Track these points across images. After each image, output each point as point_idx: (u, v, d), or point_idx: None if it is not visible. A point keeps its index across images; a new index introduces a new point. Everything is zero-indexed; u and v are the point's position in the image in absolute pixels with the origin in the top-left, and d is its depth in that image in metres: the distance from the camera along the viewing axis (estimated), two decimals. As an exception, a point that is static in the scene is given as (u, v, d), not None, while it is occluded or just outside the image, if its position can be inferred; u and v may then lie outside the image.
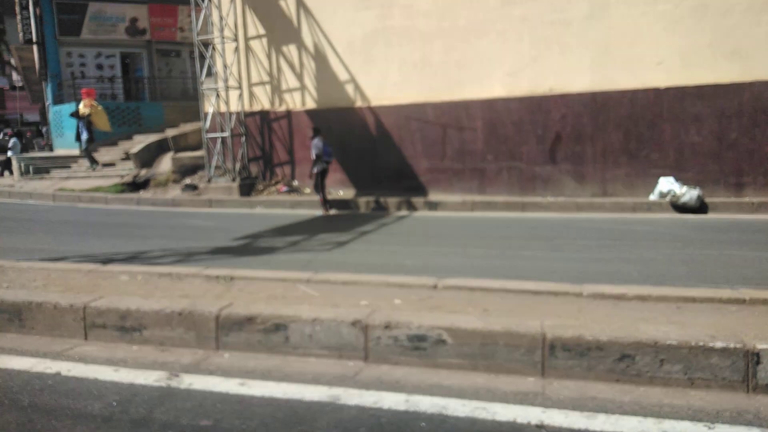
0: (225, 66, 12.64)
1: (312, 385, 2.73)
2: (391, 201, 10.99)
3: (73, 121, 15.43)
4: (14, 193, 14.01)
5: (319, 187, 10.51)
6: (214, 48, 13.00)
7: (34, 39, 17.49)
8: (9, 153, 17.63)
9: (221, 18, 12.43)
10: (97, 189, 13.46)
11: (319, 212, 10.58)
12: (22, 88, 48.76)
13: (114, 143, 16.53)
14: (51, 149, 21.29)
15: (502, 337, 2.78)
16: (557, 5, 10.68)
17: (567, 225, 8.27)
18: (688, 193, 9.20)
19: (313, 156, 10.46)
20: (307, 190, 12.76)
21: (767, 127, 9.50)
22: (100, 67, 17.90)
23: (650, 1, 10.12)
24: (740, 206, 9.23)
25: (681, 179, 9.81)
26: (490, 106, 11.30)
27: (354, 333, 2.99)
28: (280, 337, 3.11)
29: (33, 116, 51.89)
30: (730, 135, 9.87)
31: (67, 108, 16.48)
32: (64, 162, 15.50)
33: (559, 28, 10.70)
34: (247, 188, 12.69)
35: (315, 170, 10.47)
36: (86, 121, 14.84)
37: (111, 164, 15.25)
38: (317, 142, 10.47)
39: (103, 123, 15.42)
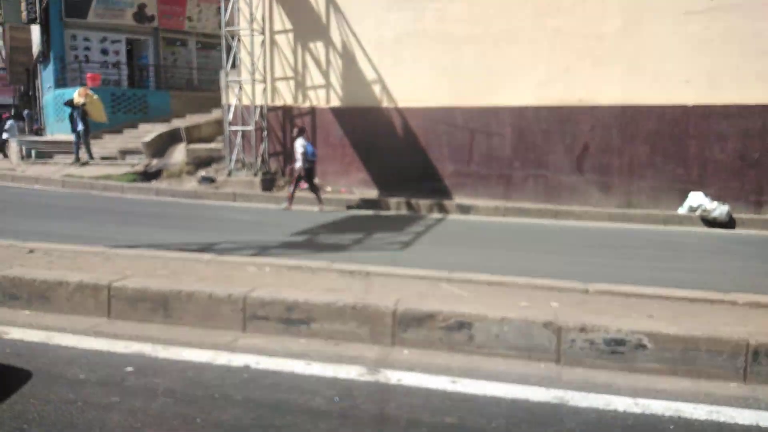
0: (252, 59, 12.42)
1: (522, 386, 2.71)
2: (423, 203, 11.01)
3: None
4: (18, 178, 13.44)
5: (297, 183, 10.55)
6: (239, 40, 12.77)
7: (39, 19, 16.83)
8: (5, 135, 16.89)
9: (251, 10, 12.21)
10: (107, 177, 13.02)
11: (360, 211, 10.55)
12: (2, 70, 46.86)
13: (119, 131, 16.04)
14: (39, 134, 20.55)
15: (705, 343, 2.83)
16: (590, 19, 10.89)
17: (616, 235, 8.45)
18: (718, 209, 9.50)
19: (298, 155, 10.47)
20: (329, 188, 12.65)
21: (790, 148, 9.91)
22: (105, 52, 17.33)
23: (681, 21, 10.41)
24: (764, 223, 9.59)
25: (706, 195, 10.14)
26: (520, 113, 11.44)
27: (546, 335, 2.98)
28: (464, 336, 3.07)
29: (4, 99, 49.90)
30: (753, 154, 10.25)
31: (71, 92, 15.90)
32: (69, 147, 14.92)
33: (591, 41, 10.90)
34: (268, 183, 12.49)
35: (297, 167, 10.46)
36: (80, 111, 14.07)
37: (129, 153, 14.65)
38: (302, 142, 10.51)
39: (97, 113, 14.69)
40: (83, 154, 14.30)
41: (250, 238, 6.80)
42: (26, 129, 24.16)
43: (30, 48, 24.92)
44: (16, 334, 3.23)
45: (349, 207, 11.15)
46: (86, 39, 17.01)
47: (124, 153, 14.79)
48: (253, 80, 12.44)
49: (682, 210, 10.07)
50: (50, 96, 16.76)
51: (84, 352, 3.01)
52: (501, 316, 3.05)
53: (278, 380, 2.71)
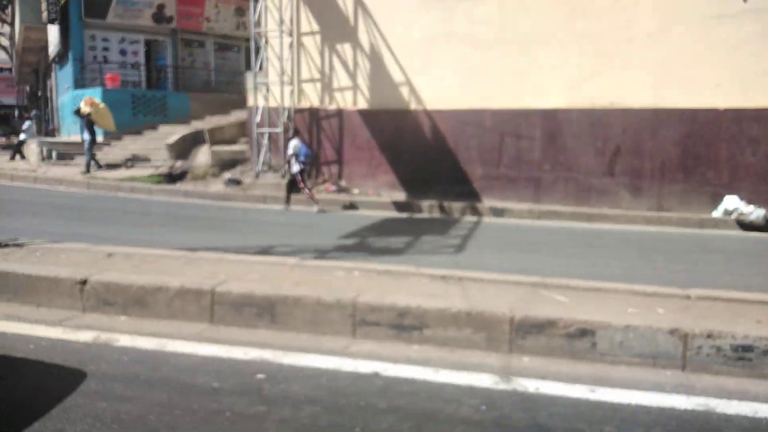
0: (281, 61, 12.39)
1: (660, 393, 2.68)
2: (455, 206, 10.98)
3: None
4: (40, 179, 13.37)
5: (293, 185, 10.61)
6: (266, 42, 12.74)
7: (55, 19, 16.76)
8: (23, 136, 16.81)
9: (279, 13, 12.18)
10: (132, 178, 12.99)
11: (393, 214, 10.56)
12: (6, 70, 46.83)
13: (139, 132, 15.99)
14: (52, 135, 20.47)
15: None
16: (620, 23, 10.87)
17: (658, 238, 8.45)
18: (755, 212, 9.50)
19: (289, 155, 10.63)
20: (356, 191, 12.63)
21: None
22: (123, 52, 17.28)
23: (712, 25, 10.39)
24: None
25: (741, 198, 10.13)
26: (550, 115, 11.42)
27: (672, 341, 2.96)
28: (586, 343, 3.04)
29: (8, 99, 49.86)
30: (785, 158, 10.25)
31: (91, 94, 15.85)
32: (89, 149, 14.86)
33: (621, 44, 10.89)
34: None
35: (293, 170, 10.55)
36: (87, 121, 13.68)
37: (145, 158, 14.53)
38: (296, 143, 10.65)
39: (106, 122, 14.35)
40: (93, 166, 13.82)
41: (300, 241, 6.76)
42: (36, 130, 24.11)
43: (40, 48, 24.83)
44: (125, 341, 3.20)
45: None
46: (105, 39, 16.95)
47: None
48: (282, 82, 12.40)
49: (717, 213, 10.05)
50: (68, 97, 16.68)
51: (204, 359, 2.98)
52: (625, 323, 3.03)
53: (415, 388, 2.67)
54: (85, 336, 3.25)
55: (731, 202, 9.89)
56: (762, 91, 10.18)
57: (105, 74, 16.06)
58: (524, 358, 3.08)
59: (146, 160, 14.18)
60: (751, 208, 9.62)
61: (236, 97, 18.73)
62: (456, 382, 2.74)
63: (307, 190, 10.64)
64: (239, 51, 19.54)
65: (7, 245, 4.80)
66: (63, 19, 16.82)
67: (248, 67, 19.93)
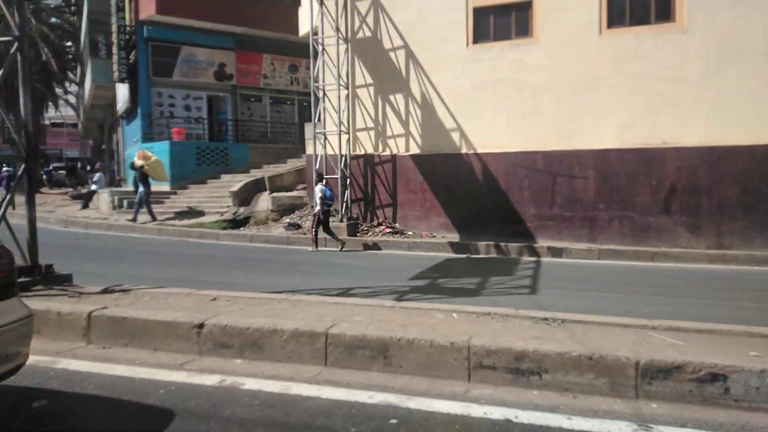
0: (338, 112, 13.07)
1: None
2: (512, 246, 11.13)
3: (165, 158, 15.87)
4: (114, 226, 14.25)
5: (318, 225, 11.22)
6: (324, 94, 13.49)
7: (125, 78, 18.20)
8: (93, 187, 18.02)
9: (338, 69, 12.94)
10: (200, 225, 13.71)
11: (451, 255, 10.77)
12: (70, 125, 50.15)
13: (203, 182, 16.90)
14: (119, 185, 21.77)
15: None
16: (671, 64, 11.07)
17: (730, 277, 8.34)
18: (827, 248, 9.29)
19: (317, 199, 11.29)
20: (410, 232, 12.96)
21: None
22: (187, 108, 18.50)
23: (766, 61, 10.47)
24: None
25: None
26: (602, 156, 11.57)
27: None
28: (718, 388, 3.06)
29: (72, 152, 53.07)
30: None
31: (159, 146, 16.95)
32: (158, 197, 15.80)
33: (673, 84, 11.05)
34: (353, 228, 12.90)
35: (317, 210, 11.22)
36: (140, 173, 14.35)
37: (199, 212, 15.25)
38: (321, 187, 11.37)
39: (157, 174, 14.91)
40: (142, 215, 14.38)
41: (374, 282, 7.06)
42: (118, 180, 25.69)
43: (107, 105, 26.70)
44: (250, 384, 3.42)
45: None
46: (171, 96, 18.22)
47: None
48: (340, 132, 13.04)
49: (785, 250, 9.88)
50: (136, 149, 17.87)
51: (331, 402, 3.14)
52: (760, 367, 3.05)
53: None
54: (211, 380, 3.51)
55: (800, 238, 9.72)
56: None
57: (172, 128, 17.18)
58: (652, 404, 3.10)
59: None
60: (822, 244, 9.43)
61: (290, 146, 19.67)
62: (593, 430, 2.81)
63: (314, 231, 11.29)
64: (293, 104, 20.65)
65: (113, 291, 5.29)
66: (132, 77, 18.22)
67: (301, 118, 21.00)
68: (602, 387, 3.22)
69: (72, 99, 38.81)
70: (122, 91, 20.03)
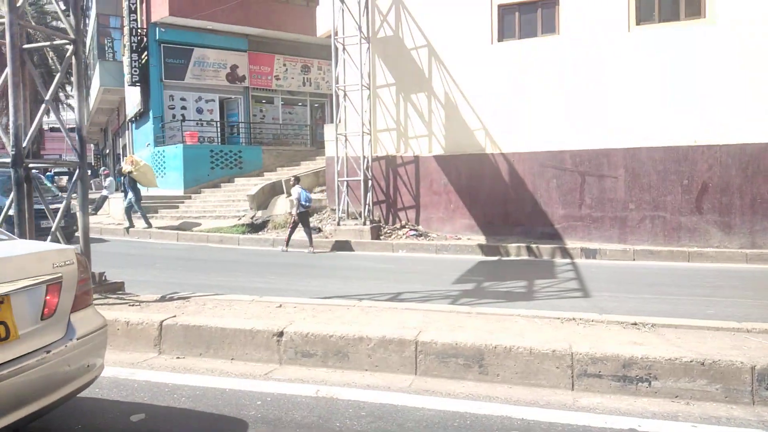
0: (361, 114, 12.88)
1: None
2: (543, 248, 10.96)
3: (179, 162, 15.63)
4: (130, 232, 14.02)
5: (294, 227, 11.59)
6: (345, 95, 13.30)
7: (138, 82, 17.97)
8: (105, 192, 17.75)
9: (360, 69, 12.76)
10: (218, 230, 13.49)
11: (482, 257, 10.59)
12: (70, 130, 49.81)
13: (217, 186, 16.68)
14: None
15: None
16: (702, 60, 10.93)
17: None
18: None
19: (294, 201, 11.61)
20: (434, 235, 12.78)
21: None
22: (199, 110, 18.28)
23: (798, 57, 10.34)
24: None
25: None
26: (633, 155, 11.41)
27: None
28: None
29: (72, 157, 52.58)
30: None
31: (171, 150, 16.73)
32: (171, 202, 15.58)
33: (704, 81, 10.91)
34: (376, 231, 12.70)
35: (294, 213, 11.54)
36: (129, 179, 13.86)
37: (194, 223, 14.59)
38: (298, 189, 11.58)
39: (148, 180, 14.37)
40: (137, 220, 14.09)
41: (420, 287, 6.89)
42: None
43: (112, 110, 26.45)
44: (348, 395, 3.25)
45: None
46: (183, 99, 18.00)
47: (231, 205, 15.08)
48: (363, 133, 12.85)
49: (824, 249, 9.74)
50: (149, 154, 17.64)
51: (440, 413, 2.97)
52: None
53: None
54: (305, 390, 3.33)
55: (839, 236, 9.59)
56: None
57: (185, 132, 16.95)
58: (773, 410, 2.97)
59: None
60: None
61: (303, 148, 19.48)
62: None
63: (289, 232, 11.66)
64: (304, 105, 20.44)
65: (172, 298, 5.08)
66: (143, 80, 17.99)
67: (312, 120, 20.81)
68: (715, 393, 3.09)
69: (73, 103, 38.64)
70: (132, 94, 19.80)
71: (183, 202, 15.79)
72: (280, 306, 4.67)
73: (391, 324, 4.00)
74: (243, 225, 13.79)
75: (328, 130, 14.11)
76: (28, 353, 2.36)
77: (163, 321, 4.09)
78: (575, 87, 11.71)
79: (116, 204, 16.53)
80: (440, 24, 12.80)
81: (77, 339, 2.61)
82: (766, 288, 7.33)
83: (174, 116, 17.77)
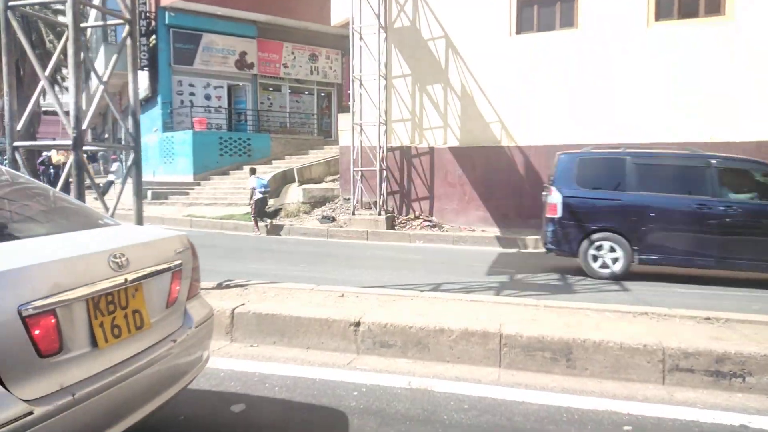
0: (378, 103, 12.82)
1: None
2: (561, 241, 11.00)
3: (188, 148, 15.46)
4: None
5: (257, 213, 12.34)
6: (361, 84, 13.22)
7: (146, 66, 17.69)
8: (111, 177, 17.50)
9: (378, 58, 12.68)
10: (231, 216, 13.40)
11: (501, 249, 10.63)
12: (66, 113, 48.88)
13: (226, 173, 16.54)
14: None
15: None
16: (714, 59, 11.01)
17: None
18: None
19: (249, 190, 12.61)
20: (448, 226, 12.81)
21: None
22: (207, 97, 18.06)
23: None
24: None
25: None
26: (650, 149, 11.48)
27: None
28: None
29: (66, 141, 51.79)
30: None
31: (180, 136, 16.53)
32: (181, 188, 15.43)
33: (721, 79, 11.01)
34: (390, 222, 12.70)
35: (252, 200, 12.36)
36: (59, 169, 14.05)
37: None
38: (253, 179, 12.56)
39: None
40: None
41: (455, 277, 6.91)
42: (101, 170, 25.09)
43: (114, 93, 26.01)
44: (442, 387, 3.24)
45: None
46: (191, 85, 17.77)
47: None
48: (380, 123, 12.80)
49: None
50: (158, 139, 17.42)
51: (545, 408, 2.97)
52: None
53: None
54: (397, 381, 3.31)
55: None
56: None
57: (193, 118, 16.76)
58: None
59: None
60: None
61: (311, 137, 19.37)
62: None
63: (253, 218, 12.33)
64: (312, 94, 20.28)
65: (228, 286, 5.05)
66: (151, 65, 17.72)
67: (319, 109, 20.67)
68: (811, 389, 3.12)
69: (71, 86, 37.93)
70: (142, 79, 19.47)
71: (193, 189, 15.65)
72: (342, 295, 4.65)
73: (463, 315, 4.00)
74: (256, 213, 13.68)
75: (343, 120, 14.04)
76: (158, 342, 2.33)
77: (234, 308, 4.06)
78: (593, 81, 11.75)
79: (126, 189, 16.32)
80: (458, 15, 12.75)
81: (195, 327, 2.58)
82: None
83: (182, 102, 17.55)
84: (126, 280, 2.12)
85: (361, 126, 13.22)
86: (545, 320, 3.95)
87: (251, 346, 3.93)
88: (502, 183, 12.60)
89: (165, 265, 2.43)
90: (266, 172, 15.10)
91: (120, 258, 2.11)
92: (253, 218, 12.37)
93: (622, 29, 11.54)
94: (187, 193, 15.32)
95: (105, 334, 2.00)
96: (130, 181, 5.42)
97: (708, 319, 3.97)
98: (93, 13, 18.73)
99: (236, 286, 5.01)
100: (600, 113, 11.73)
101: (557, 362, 3.47)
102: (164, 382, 2.34)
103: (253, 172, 13.03)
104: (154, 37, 17.39)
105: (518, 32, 12.46)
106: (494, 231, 12.32)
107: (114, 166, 17.91)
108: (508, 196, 12.58)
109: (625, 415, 2.90)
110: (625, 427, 2.78)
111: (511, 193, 12.54)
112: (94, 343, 1.95)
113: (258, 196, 12.26)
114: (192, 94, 17.78)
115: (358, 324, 3.85)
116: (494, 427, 2.78)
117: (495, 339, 3.59)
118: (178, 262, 2.53)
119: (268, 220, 12.48)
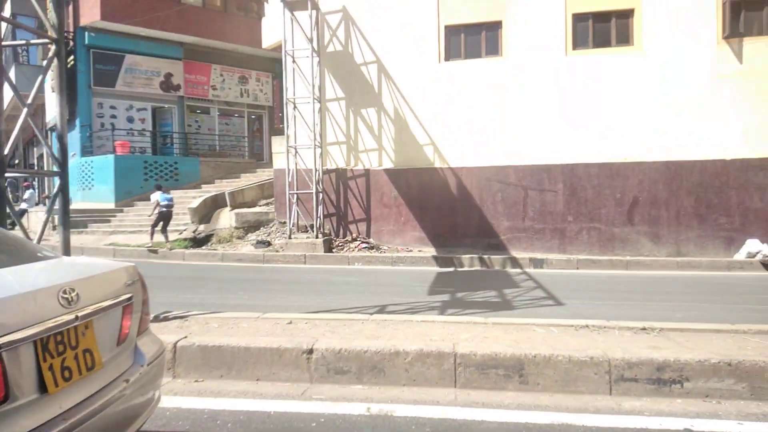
0: (313, 126, 12.79)
1: None
2: (495, 259, 11.37)
3: (109, 173, 14.68)
4: (58, 248, 12.93)
5: (161, 226, 12.76)
6: (295, 107, 13.15)
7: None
8: (24, 205, 16.27)
9: (312, 81, 12.68)
10: (159, 244, 12.79)
11: (438, 269, 10.79)
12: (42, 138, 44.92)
13: (147, 198, 15.78)
14: (44, 203, 19.83)
15: None
16: (624, 89, 11.93)
17: (710, 282, 9.00)
18: (779, 253, 10.36)
19: (152, 205, 13.01)
20: (385, 247, 12.89)
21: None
22: (130, 119, 17.26)
23: (714, 87, 11.53)
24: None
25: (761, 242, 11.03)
26: (571, 170, 12.20)
27: None
28: None
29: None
30: (789, 202, 11.27)
31: (100, 160, 15.68)
32: (102, 215, 14.57)
33: (627, 106, 11.92)
34: (327, 244, 12.61)
35: (154, 214, 12.80)
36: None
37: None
38: (157, 194, 12.91)
39: None
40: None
41: (398, 299, 6.92)
42: (11, 198, 23.26)
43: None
44: (401, 411, 3.20)
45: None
46: (112, 107, 16.93)
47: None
48: (315, 145, 12.75)
49: (740, 256, 10.88)
50: (74, 164, 16.38)
51: (507, 426, 3.01)
52: None
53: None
54: (354, 409, 3.25)
55: (754, 245, 10.75)
56: (765, 141, 11.32)
57: (115, 141, 15.96)
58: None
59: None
60: (774, 249, 10.49)
61: (242, 161, 18.95)
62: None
63: (151, 228, 12.82)
64: (242, 117, 19.93)
65: (167, 318, 4.81)
66: (70, 87, 16.74)
67: (250, 132, 20.32)
68: (742, 391, 3.36)
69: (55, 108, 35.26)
70: (53, 101, 18.33)
71: (115, 216, 14.82)
72: (290, 322, 4.54)
73: (416, 337, 4.02)
74: (185, 239, 13.18)
75: (277, 142, 13.88)
76: (110, 383, 2.17)
77: (177, 342, 3.85)
78: (517, 106, 12.36)
79: (37, 218, 15.20)
80: (389, 42, 13.05)
81: (147, 365, 2.43)
82: (712, 291, 8.06)
83: (103, 125, 16.67)
84: (77, 317, 1.97)
85: (296, 149, 13.12)
86: (495, 337, 4.04)
87: (196, 381, 3.73)
88: (436, 203, 12.89)
89: (115, 300, 2.28)
90: (195, 197, 14.59)
91: (70, 293, 1.97)
92: (151, 228, 12.74)
93: (543, 57, 12.25)
94: (109, 221, 14.48)
95: (55, 378, 1.84)
96: (38, 209, 5.06)
97: (644, 329, 4.21)
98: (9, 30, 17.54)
99: (175, 318, 4.76)
100: (525, 136, 12.33)
101: (510, 379, 3.54)
102: (117, 426, 2.17)
103: (158, 188, 13.23)
104: (72, 58, 16.48)
105: (447, 59, 12.92)
106: (430, 251, 12.53)
107: (27, 194, 16.73)
108: (442, 216, 12.87)
109: (580, 427, 3.00)
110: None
111: (445, 213, 12.85)
112: (43, 388, 1.79)
113: (162, 209, 12.64)
114: (114, 116, 16.93)
115: (311, 351, 3.77)
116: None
117: (450, 359, 3.62)
118: (129, 295, 2.39)
119: (167, 240, 12.73)
